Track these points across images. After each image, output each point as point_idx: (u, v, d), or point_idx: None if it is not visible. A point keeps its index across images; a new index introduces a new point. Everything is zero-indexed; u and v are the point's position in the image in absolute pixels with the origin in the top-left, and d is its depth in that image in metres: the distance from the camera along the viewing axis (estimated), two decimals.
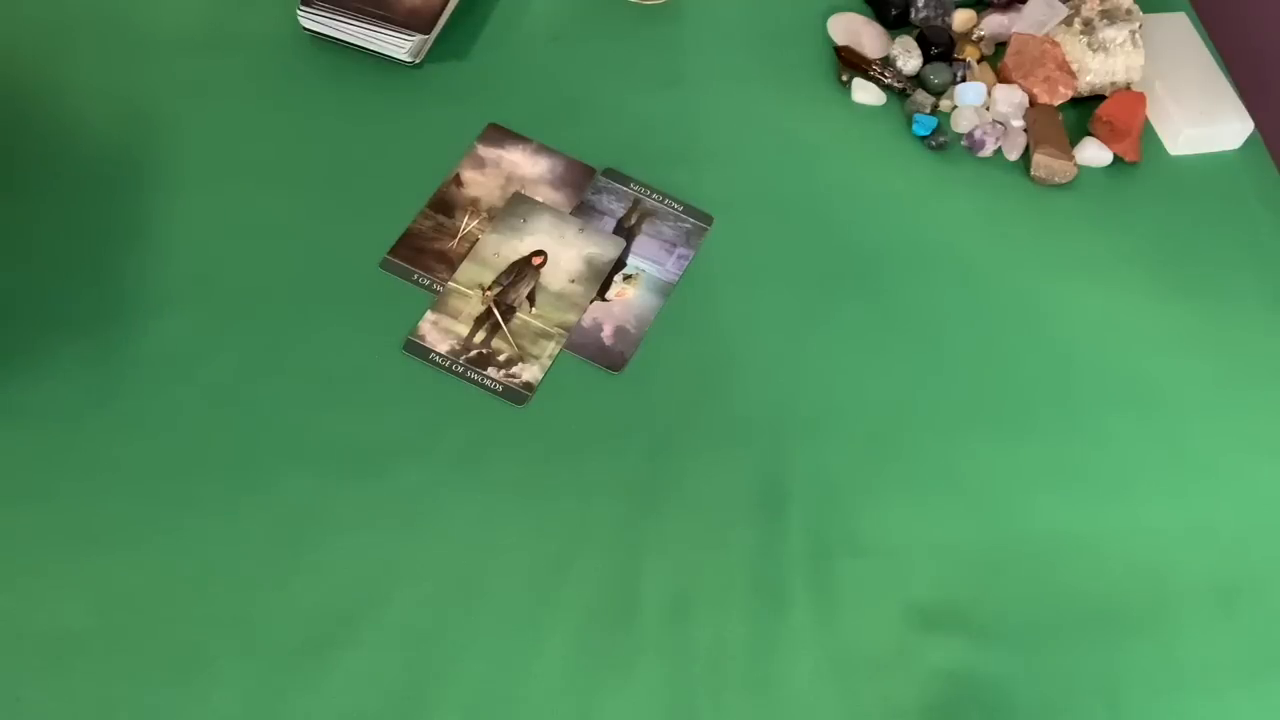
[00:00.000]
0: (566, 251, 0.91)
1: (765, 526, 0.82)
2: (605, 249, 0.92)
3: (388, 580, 0.78)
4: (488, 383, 0.85)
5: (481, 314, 0.88)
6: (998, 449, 0.88)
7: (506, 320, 0.87)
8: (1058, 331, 0.95)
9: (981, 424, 0.89)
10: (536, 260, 0.90)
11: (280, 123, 0.99)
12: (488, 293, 0.89)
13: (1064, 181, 1.03)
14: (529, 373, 0.85)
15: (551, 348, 0.86)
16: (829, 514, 0.83)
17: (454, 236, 0.94)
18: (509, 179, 0.97)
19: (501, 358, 0.86)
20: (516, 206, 0.92)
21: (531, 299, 0.89)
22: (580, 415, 0.86)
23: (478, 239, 0.92)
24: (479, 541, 0.80)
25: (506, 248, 0.91)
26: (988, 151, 1.04)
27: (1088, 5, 1.07)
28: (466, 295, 0.88)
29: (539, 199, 0.93)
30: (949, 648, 0.79)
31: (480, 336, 0.88)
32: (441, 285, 0.91)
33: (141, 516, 0.79)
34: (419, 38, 1.01)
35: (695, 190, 0.99)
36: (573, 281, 0.90)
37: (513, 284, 0.89)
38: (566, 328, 0.87)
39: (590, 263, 0.91)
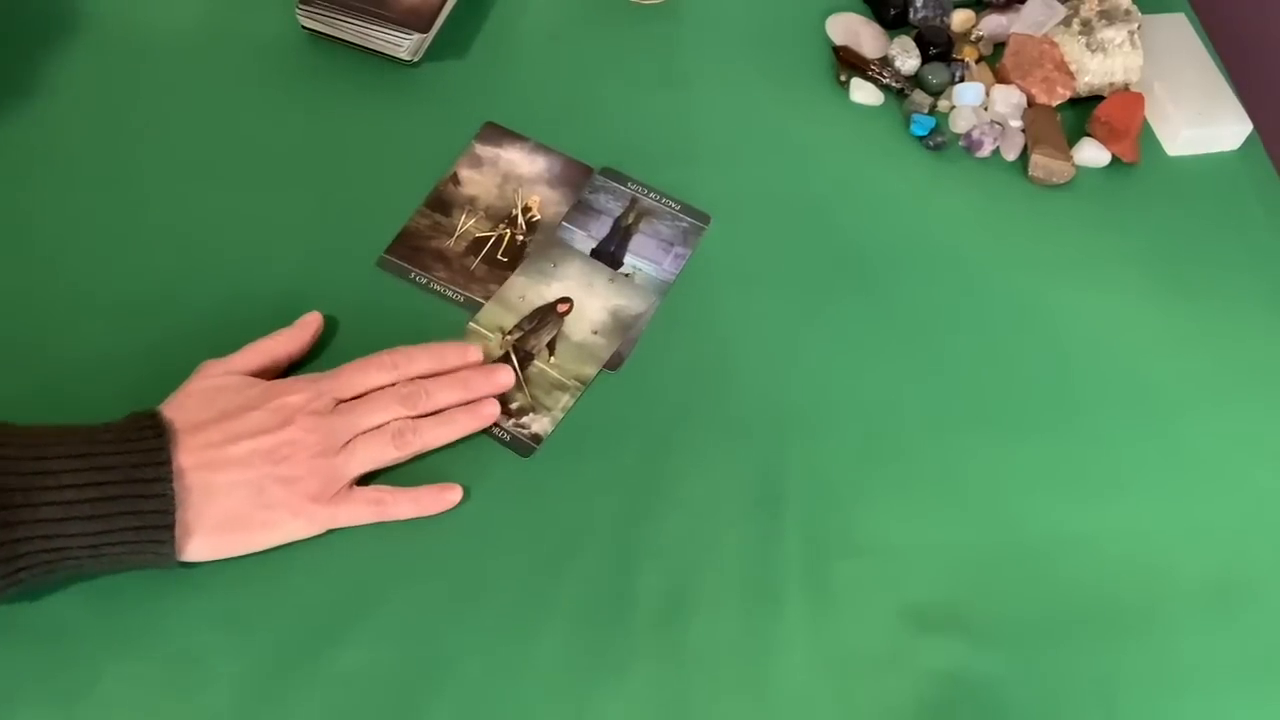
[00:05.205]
0: (593, 301, 0.90)
1: (761, 526, 0.82)
2: (633, 301, 0.90)
3: (385, 580, 0.78)
4: (495, 430, 0.84)
5: (499, 358, 0.87)
6: (995, 449, 0.88)
7: (524, 367, 0.86)
8: (1055, 331, 0.94)
9: (979, 424, 0.89)
10: (562, 308, 0.89)
11: (277, 120, 0.99)
12: (508, 337, 0.88)
13: (1062, 182, 1.03)
14: (539, 424, 0.84)
15: (565, 400, 0.85)
16: (825, 514, 0.83)
17: (451, 235, 0.94)
18: (506, 178, 0.97)
19: (513, 405, 0.85)
20: (548, 250, 0.91)
21: (551, 347, 0.87)
22: (577, 414, 0.86)
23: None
24: (475, 541, 0.80)
25: (533, 292, 0.90)
26: (986, 152, 1.04)
27: (1086, 6, 1.07)
28: (486, 338, 0.87)
29: (565, 241, 0.91)
30: (945, 648, 0.79)
31: None
32: (441, 285, 0.91)
33: None
34: (417, 36, 1.01)
35: (693, 189, 0.99)
36: (595, 333, 0.89)
37: (534, 330, 0.87)
38: (583, 381, 0.86)
39: (616, 315, 0.89)
